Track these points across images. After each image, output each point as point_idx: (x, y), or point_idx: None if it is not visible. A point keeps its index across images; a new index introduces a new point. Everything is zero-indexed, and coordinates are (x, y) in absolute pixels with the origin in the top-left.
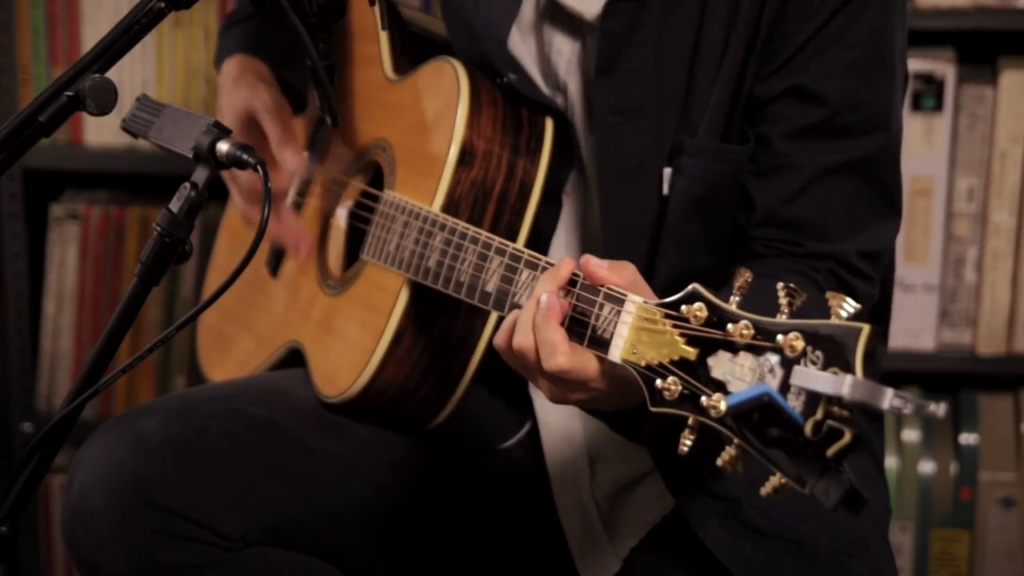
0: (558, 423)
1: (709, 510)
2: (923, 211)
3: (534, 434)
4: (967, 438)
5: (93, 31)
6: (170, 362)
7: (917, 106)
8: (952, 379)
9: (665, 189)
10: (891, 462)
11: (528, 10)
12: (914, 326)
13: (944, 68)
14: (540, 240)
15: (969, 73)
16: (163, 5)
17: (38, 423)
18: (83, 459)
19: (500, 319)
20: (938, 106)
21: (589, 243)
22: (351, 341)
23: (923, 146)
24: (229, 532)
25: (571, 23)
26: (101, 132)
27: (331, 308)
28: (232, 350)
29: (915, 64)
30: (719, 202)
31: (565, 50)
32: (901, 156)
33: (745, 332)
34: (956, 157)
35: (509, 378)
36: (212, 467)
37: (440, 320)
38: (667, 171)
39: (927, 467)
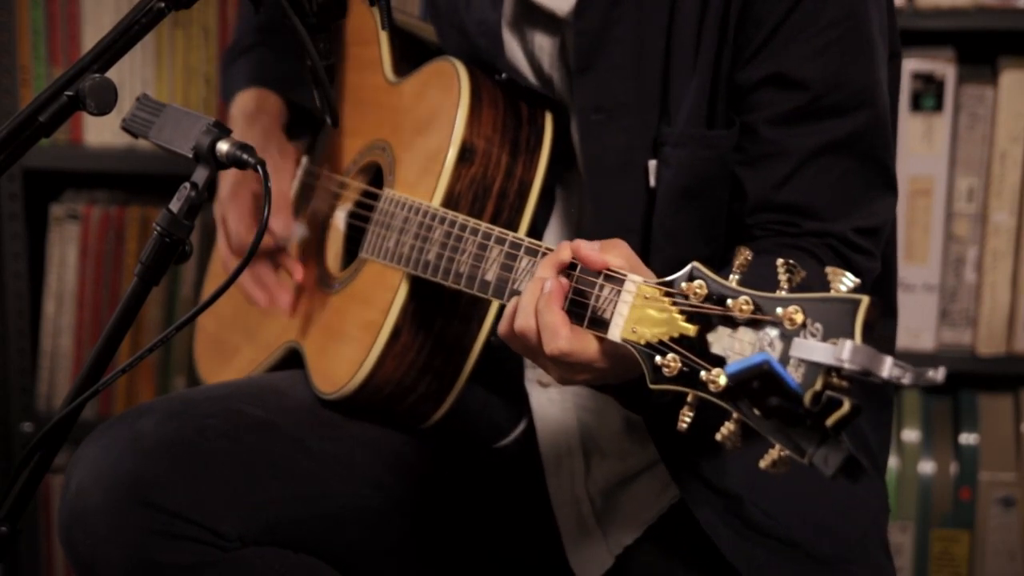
0: (553, 419)
1: (711, 505)
2: (923, 211)
3: (530, 431)
4: (967, 438)
5: (93, 31)
6: (170, 362)
7: (917, 106)
8: (952, 379)
9: (652, 181)
10: (891, 462)
11: (508, 8)
12: (914, 326)
13: (944, 68)
14: (533, 234)
15: (969, 73)
16: (163, 5)
17: (38, 423)
18: (80, 459)
19: (498, 317)
20: (938, 106)
21: (582, 235)
22: (349, 338)
23: (923, 146)
24: (226, 532)
25: (548, 20)
26: (101, 132)
27: (329, 307)
28: (230, 356)
29: (915, 64)
30: (707, 190)
31: (546, 46)
32: (896, 134)
33: (744, 307)
34: (956, 157)
35: (505, 375)
36: (210, 467)
37: (438, 317)
38: (652, 163)
39: (927, 467)
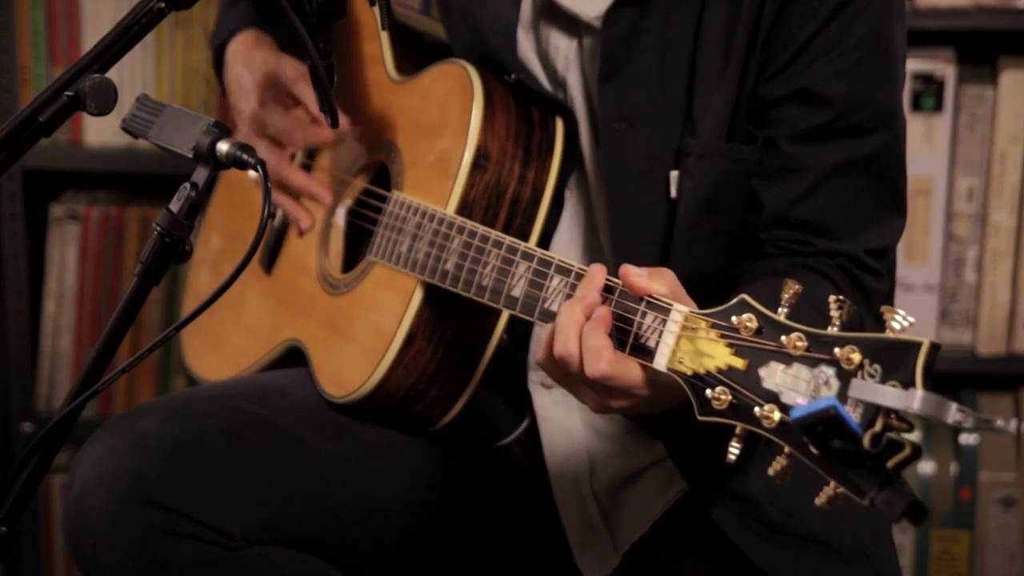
0: (557, 419)
1: (728, 509)
2: (923, 211)
3: (533, 431)
4: (967, 438)
5: (93, 31)
6: (170, 362)
7: (917, 106)
8: (952, 379)
9: (672, 192)
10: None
11: (527, 7)
12: (914, 326)
13: (944, 68)
14: (542, 238)
15: (969, 73)
16: (163, 5)
17: (38, 423)
18: (84, 459)
19: (509, 322)
20: (938, 106)
21: (592, 240)
22: (359, 342)
23: (923, 146)
24: (229, 531)
25: (567, 21)
26: (101, 132)
27: (336, 308)
28: (223, 347)
29: (915, 64)
30: (729, 203)
31: (563, 47)
32: (906, 155)
33: (799, 344)
34: (956, 157)
35: (508, 375)
36: (212, 466)
37: (452, 324)
38: (674, 174)
39: (927, 467)
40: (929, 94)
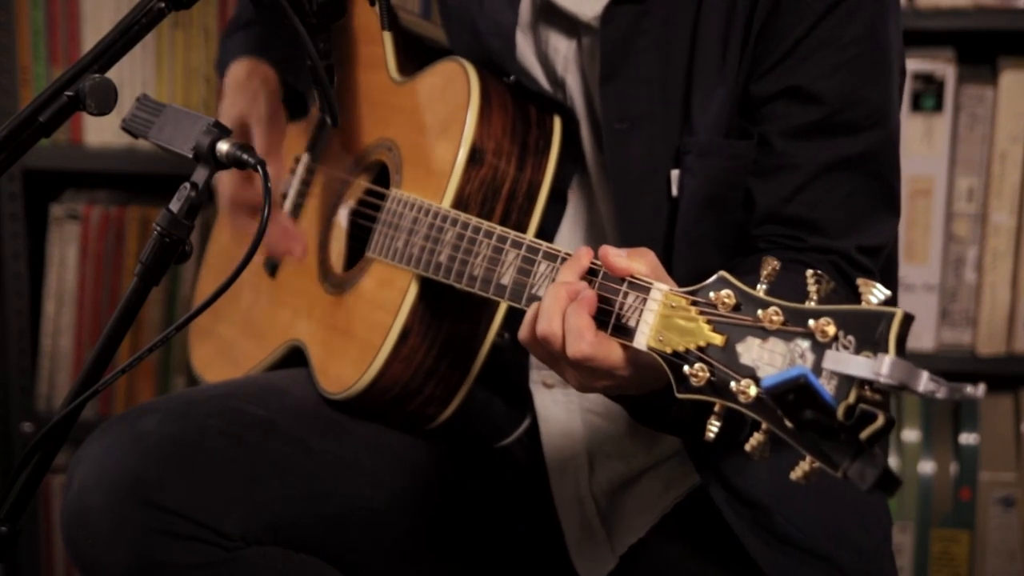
0: (557, 420)
1: (738, 515)
2: (923, 211)
3: (533, 431)
4: (967, 438)
5: (93, 31)
6: (170, 362)
7: (917, 106)
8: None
9: (674, 191)
10: (891, 462)
11: (525, 9)
12: (914, 326)
13: (944, 68)
14: (544, 237)
15: (969, 73)
16: (163, 5)
17: (38, 423)
18: (82, 459)
19: (506, 320)
20: (938, 106)
21: (594, 239)
22: (356, 338)
23: (923, 146)
24: (228, 531)
25: (566, 22)
26: (101, 132)
27: (335, 306)
28: (228, 350)
29: (915, 64)
30: (729, 200)
31: (562, 48)
32: (900, 154)
33: (775, 318)
34: (956, 157)
35: (508, 375)
36: (211, 466)
37: (447, 319)
38: (674, 173)
39: (927, 467)
40: (929, 94)
